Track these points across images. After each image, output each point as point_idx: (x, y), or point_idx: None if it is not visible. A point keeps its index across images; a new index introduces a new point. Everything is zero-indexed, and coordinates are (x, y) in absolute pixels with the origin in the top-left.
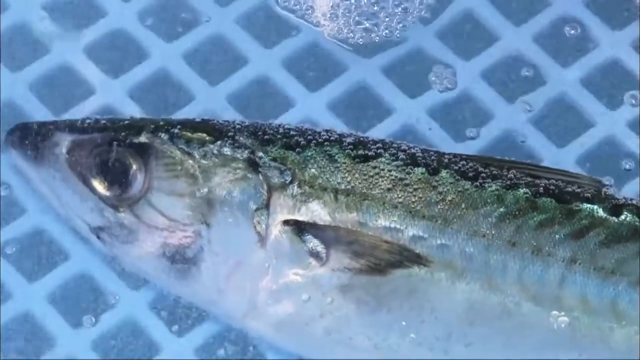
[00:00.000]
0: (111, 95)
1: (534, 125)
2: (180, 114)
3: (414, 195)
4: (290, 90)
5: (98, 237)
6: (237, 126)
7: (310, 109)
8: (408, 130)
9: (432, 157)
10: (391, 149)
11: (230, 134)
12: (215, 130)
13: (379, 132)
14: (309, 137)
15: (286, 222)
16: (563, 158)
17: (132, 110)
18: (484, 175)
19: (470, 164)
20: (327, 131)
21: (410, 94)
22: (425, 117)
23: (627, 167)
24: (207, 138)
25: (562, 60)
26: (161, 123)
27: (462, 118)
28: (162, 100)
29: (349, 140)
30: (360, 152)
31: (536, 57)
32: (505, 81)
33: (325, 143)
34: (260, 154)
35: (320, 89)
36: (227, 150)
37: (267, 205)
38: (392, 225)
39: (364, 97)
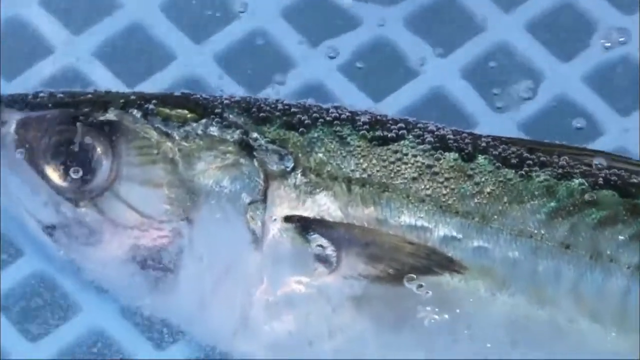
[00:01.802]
0: (73, 55)
1: (589, 86)
2: (158, 78)
3: (445, 187)
4: (290, 47)
5: (52, 238)
6: (226, 101)
7: (315, 70)
8: (437, 93)
9: (466, 140)
10: (416, 129)
11: (217, 110)
12: (199, 106)
13: (401, 98)
14: (314, 115)
15: (288, 219)
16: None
17: (98, 73)
18: (529, 162)
19: (513, 149)
20: (336, 108)
21: (439, 52)
22: (457, 78)
23: None
24: (190, 115)
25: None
26: (132, 97)
27: (501, 78)
28: (135, 61)
29: (363, 118)
30: (378, 133)
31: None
32: (554, 34)
33: (335, 122)
34: (255, 134)
35: (325, 44)
36: (214, 130)
37: (263, 198)
38: (418, 223)
39: (383, 55)
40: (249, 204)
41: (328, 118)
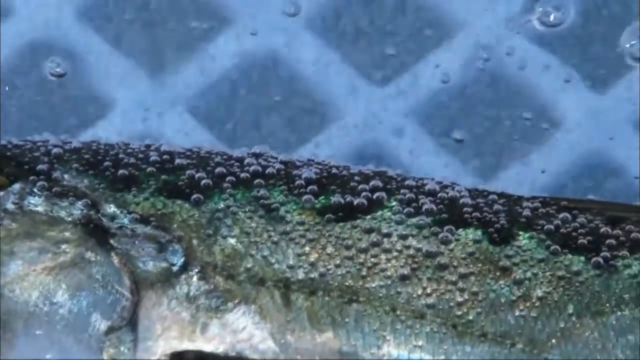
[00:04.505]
0: None
1: None
2: None
3: (462, 290)
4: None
5: None
6: (57, 149)
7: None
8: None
9: (495, 206)
10: (402, 189)
11: (41, 166)
12: (8, 160)
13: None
14: (218, 169)
15: (177, 358)
16: None
17: None
18: (611, 241)
19: (582, 218)
20: (256, 155)
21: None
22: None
23: None
24: None
25: None
26: None
27: None
28: None
29: (307, 173)
30: (335, 198)
31: None
32: None
33: (256, 181)
34: (112, 207)
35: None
36: (37, 203)
37: (131, 321)
38: (415, 357)
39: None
40: (107, 334)
41: (243, 174)
